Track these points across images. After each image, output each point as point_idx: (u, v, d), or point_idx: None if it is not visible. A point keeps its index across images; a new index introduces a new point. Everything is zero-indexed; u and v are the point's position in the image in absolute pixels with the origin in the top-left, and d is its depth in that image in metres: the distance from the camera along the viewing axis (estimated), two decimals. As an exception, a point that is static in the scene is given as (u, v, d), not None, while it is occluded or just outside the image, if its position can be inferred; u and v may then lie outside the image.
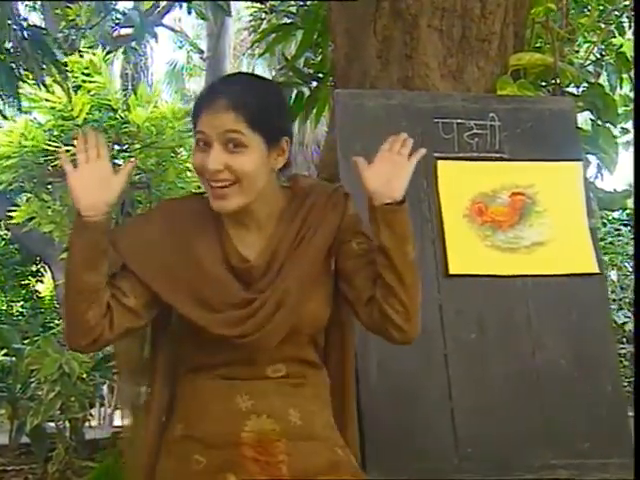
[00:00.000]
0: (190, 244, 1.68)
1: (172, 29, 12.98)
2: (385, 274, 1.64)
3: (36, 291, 9.65)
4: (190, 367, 1.71)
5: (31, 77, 5.11)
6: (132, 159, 1.66)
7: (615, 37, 5.29)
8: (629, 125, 7.82)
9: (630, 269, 6.53)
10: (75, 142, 1.64)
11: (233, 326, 1.62)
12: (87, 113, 6.04)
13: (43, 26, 8.70)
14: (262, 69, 11.58)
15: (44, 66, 4.73)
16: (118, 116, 6.27)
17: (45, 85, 5.66)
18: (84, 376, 4.10)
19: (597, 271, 2.57)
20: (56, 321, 8.26)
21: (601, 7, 4.39)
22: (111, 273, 1.65)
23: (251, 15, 9.12)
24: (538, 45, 3.25)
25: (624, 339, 6.16)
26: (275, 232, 1.71)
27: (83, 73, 6.33)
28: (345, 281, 1.72)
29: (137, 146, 6.36)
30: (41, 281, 9.69)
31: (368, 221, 1.68)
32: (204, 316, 1.63)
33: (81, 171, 1.60)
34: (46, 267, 8.69)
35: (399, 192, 1.64)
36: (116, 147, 6.26)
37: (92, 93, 6.21)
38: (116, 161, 6.28)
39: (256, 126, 1.63)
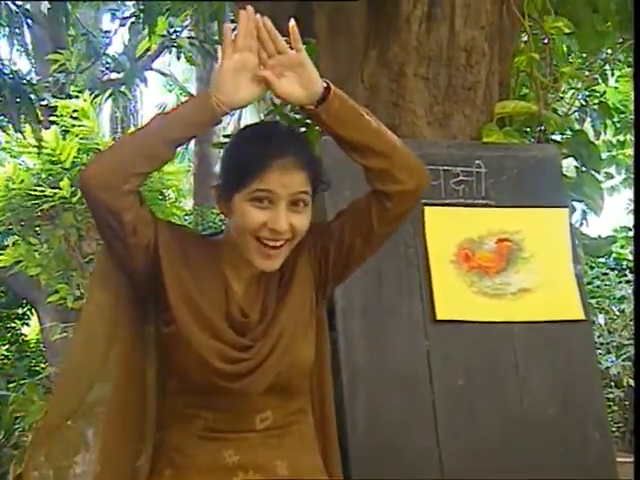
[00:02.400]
0: (198, 282, 1.64)
1: (162, 73, 13.07)
2: (367, 162, 1.63)
3: (22, 334, 9.57)
4: (176, 415, 1.67)
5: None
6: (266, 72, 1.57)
7: (599, 84, 5.38)
8: (612, 169, 7.93)
9: (617, 313, 6.55)
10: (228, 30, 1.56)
11: (229, 362, 1.59)
12: (75, 157, 6.05)
13: (32, 71, 8.81)
14: (250, 113, 11.67)
15: (22, 113, 4.78)
16: (106, 160, 6.26)
17: (22, 132, 5.70)
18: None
19: (583, 318, 2.58)
20: (42, 365, 8.17)
21: (584, 55, 4.47)
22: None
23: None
24: (523, 93, 3.29)
25: (612, 383, 6.15)
26: (259, 285, 1.69)
27: (72, 117, 6.35)
28: (349, 232, 1.70)
29: (125, 189, 6.35)
30: (27, 324, 9.61)
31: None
32: (203, 341, 1.58)
33: (239, 59, 1.55)
34: (32, 310, 8.62)
35: (318, 85, 1.59)
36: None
37: (80, 137, 6.23)
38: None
39: (315, 185, 1.63)
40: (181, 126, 1.55)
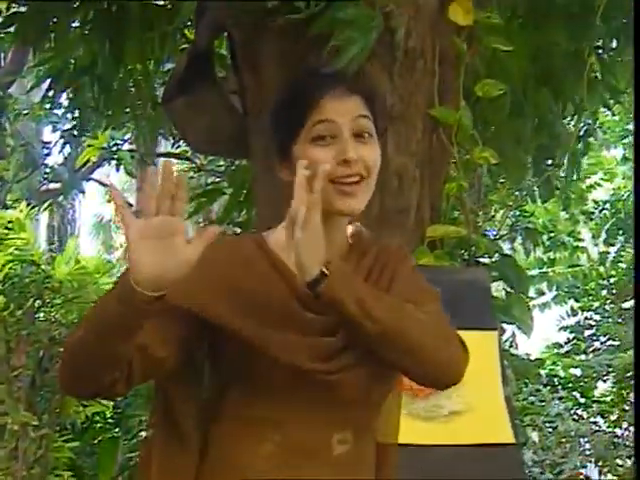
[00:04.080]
0: (251, 288, 1.42)
1: (101, 183, 13.08)
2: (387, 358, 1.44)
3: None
4: (243, 419, 1.45)
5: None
6: (213, 229, 1.23)
7: (528, 204, 5.59)
8: (544, 286, 8.12)
9: (551, 430, 6.57)
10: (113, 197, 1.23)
11: (325, 359, 1.39)
12: (8, 268, 5.96)
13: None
14: (189, 227, 11.70)
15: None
16: (40, 270, 6.19)
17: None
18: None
19: (513, 441, 2.60)
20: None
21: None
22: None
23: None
24: (453, 217, 3.39)
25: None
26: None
27: (7, 227, 6.29)
28: None
29: (58, 301, 6.26)
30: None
31: None
32: (287, 344, 1.36)
33: (147, 225, 1.17)
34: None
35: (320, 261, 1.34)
36: (37, 302, 6.14)
37: (15, 248, 6.15)
38: (37, 315, 6.17)
39: (374, 113, 1.47)
40: (129, 326, 1.25)
